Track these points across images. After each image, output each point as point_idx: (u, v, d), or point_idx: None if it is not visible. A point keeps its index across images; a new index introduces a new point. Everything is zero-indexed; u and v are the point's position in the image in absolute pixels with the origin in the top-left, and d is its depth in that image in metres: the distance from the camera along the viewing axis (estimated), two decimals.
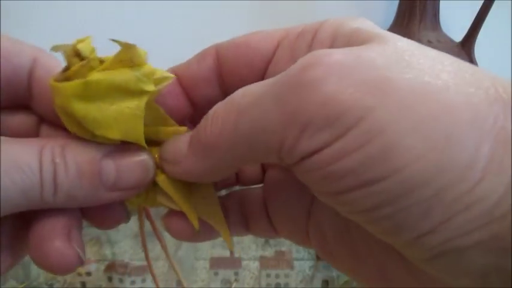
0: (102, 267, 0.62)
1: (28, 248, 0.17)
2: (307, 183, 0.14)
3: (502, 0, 0.64)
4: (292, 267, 0.61)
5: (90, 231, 0.68)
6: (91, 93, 0.16)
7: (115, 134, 0.16)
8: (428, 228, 0.13)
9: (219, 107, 0.16)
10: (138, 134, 0.17)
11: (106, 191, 0.17)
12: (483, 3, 0.61)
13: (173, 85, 0.19)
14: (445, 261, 0.13)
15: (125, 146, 0.17)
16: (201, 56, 0.19)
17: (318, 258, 0.63)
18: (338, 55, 0.13)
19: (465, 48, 0.63)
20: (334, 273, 0.62)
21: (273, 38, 0.18)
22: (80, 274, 0.60)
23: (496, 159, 0.12)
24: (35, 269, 0.62)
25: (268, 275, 0.60)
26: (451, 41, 0.64)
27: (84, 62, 0.16)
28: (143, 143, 0.17)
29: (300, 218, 0.19)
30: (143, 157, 0.17)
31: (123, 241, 0.67)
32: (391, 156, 0.12)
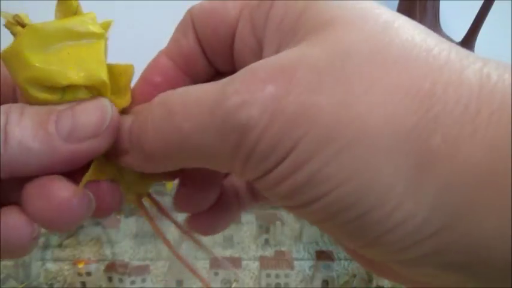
0: (102, 267, 0.62)
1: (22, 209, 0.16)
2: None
3: (502, 0, 0.64)
4: (292, 267, 0.61)
5: (90, 231, 0.68)
6: (43, 40, 0.16)
7: (80, 76, 0.16)
8: (367, 242, 0.14)
9: (156, 119, 0.16)
10: (103, 73, 0.17)
11: (62, 142, 0.16)
12: (483, 3, 0.61)
13: (171, 69, 0.19)
14: (407, 267, 0.14)
15: (86, 100, 0.17)
16: (183, 28, 0.18)
17: (318, 258, 0.63)
18: (271, 89, 0.14)
19: (465, 48, 0.63)
20: (334, 273, 0.62)
21: (235, 5, 0.17)
22: (80, 274, 0.61)
23: (415, 181, 0.12)
24: (35, 269, 0.62)
25: (268, 275, 0.60)
26: (451, 40, 0.64)
27: (27, 26, 0.16)
28: (108, 84, 0.17)
29: None
30: (100, 101, 0.17)
31: (123, 241, 0.67)
32: (315, 184, 0.13)
